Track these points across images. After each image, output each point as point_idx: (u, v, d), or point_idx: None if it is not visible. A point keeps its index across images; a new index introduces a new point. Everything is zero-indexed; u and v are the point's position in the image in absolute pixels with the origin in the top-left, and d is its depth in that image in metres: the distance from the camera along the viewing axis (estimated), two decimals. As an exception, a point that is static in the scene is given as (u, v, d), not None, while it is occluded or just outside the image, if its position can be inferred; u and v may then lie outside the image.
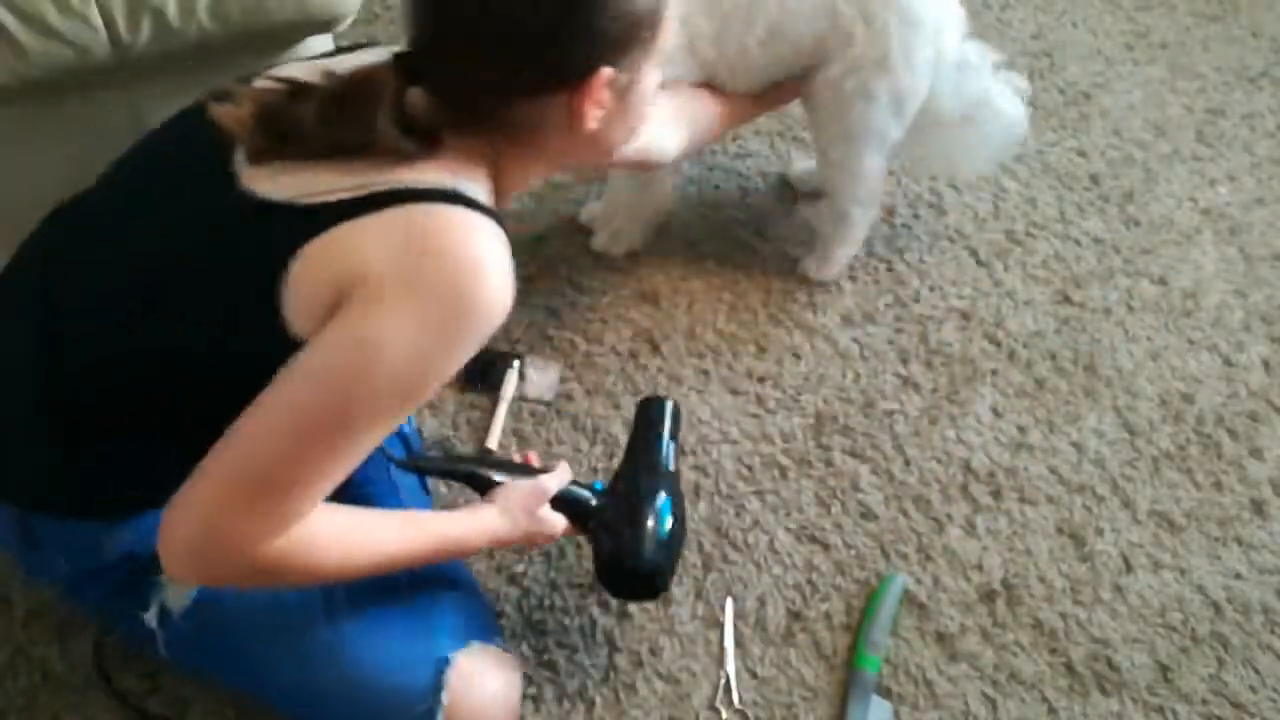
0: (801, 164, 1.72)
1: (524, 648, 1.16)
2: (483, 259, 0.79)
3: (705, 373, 1.44)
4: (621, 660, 1.16)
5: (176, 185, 0.85)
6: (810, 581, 1.24)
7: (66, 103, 1.18)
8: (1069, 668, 1.19)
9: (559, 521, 1.03)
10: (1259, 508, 1.35)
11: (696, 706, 1.13)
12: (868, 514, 1.31)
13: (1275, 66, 2.07)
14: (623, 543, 1.02)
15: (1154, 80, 2.01)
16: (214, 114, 0.81)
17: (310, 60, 0.93)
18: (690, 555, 1.25)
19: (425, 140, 0.81)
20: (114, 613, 1.00)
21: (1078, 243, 1.68)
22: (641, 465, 1.10)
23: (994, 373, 1.48)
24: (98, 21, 1.10)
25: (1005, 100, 1.44)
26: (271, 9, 1.18)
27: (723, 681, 1.15)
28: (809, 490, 1.33)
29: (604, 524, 1.04)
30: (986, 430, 1.41)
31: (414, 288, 0.76)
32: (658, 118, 1.12)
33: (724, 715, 1.13)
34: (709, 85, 1.34)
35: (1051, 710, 1.16)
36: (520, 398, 1.39)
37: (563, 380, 1.42)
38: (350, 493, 0.84)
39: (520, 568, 1.22)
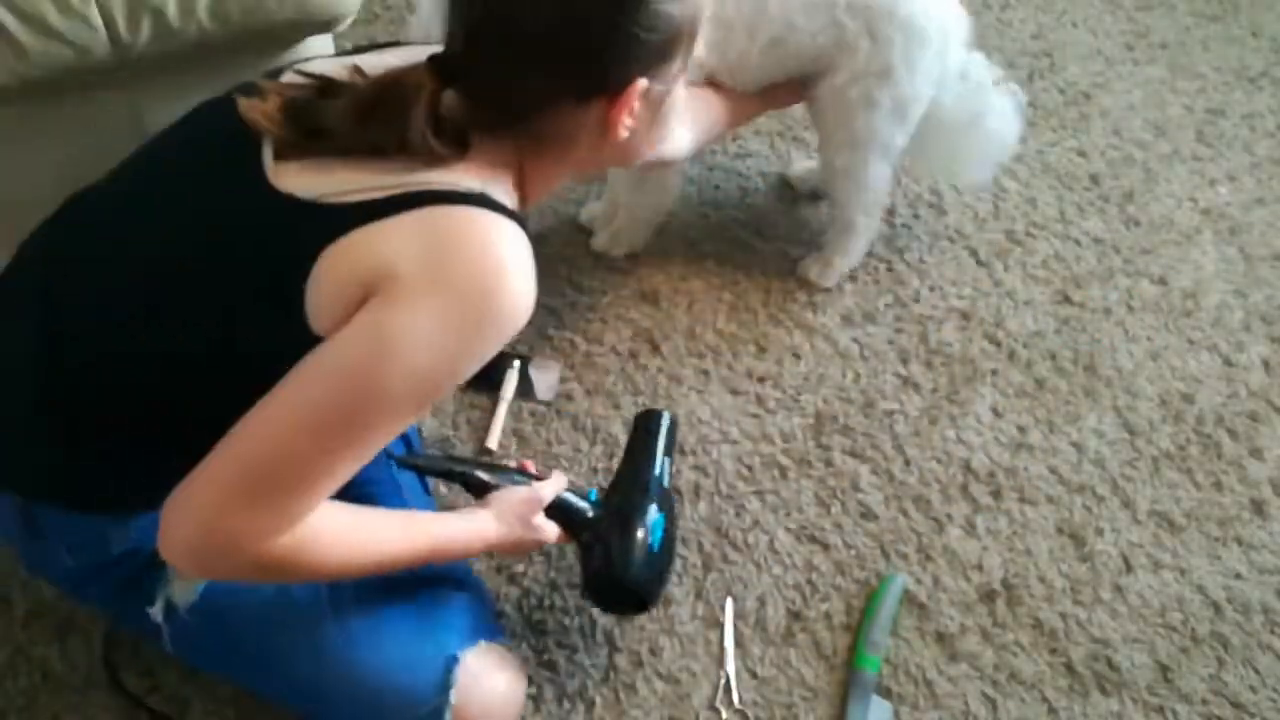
0: (801, 164, 1.72)
1: (524, 648, 1.16)
2: (507, 261, 0.79)
3: (705, 373, 1.44)
4: (621, 660, 1.16)
5: (195, 183, 0.85)
6: (810, 581, 1.24)
7: (66, 103, 1.18)
8: (1069, 668, 1.19)
9: (552, 530, 1.03)
10: (1259, 508, 1.35)
11: (696, 706, 1.13)
12: (868, 514, 1.31)
13: (1275, 66, 2.07)
14: (612, 557, 1.02)
15: (1154, 80, 2.01)
16: (242, 108, 0.81)
17: (337, 57, 0.93)
18: (690, 555, 1.25)
19: (455, 143, 0.81)
20: (118, 608, 1.00)
21: (1078, 243, 1.68)
22: (636, 479, 1.10)
23: (994, 373, 1.48)
24: (98, 21, 1.10)
25: (1003, 112, 1.45)
26: (271, 9, 1.17)
27: (723, 681, 1.15)
28: (809, 490, 1.33)
29: (596, 536, 1.04)
30: (986, 430, 1.41)
31: (439, 286, 0.76)
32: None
33: (724, 715, 1.13)
34: (712, 83, 1.34)
35: (1051, 710, 1.16)
36: (520, 398, 1.39)
37: (563, 380, 1.42)
38: (353, 491, 0.84)
39: (520, 567, 1.22)
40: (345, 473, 0.79)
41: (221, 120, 0.83)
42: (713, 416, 1.40)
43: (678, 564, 1.23)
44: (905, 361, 1.48)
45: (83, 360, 0.84)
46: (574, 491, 1.06)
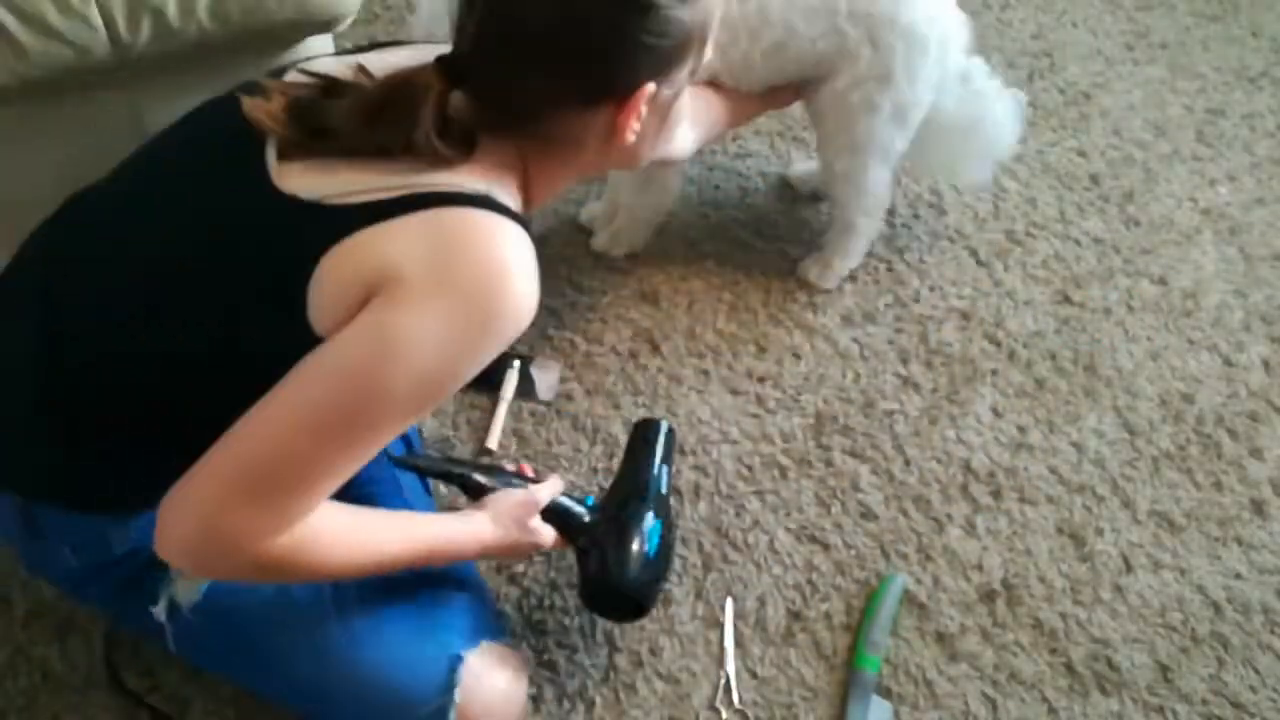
0: (802, 165, 1.72)
1: (524, 648, 1.15)
2: (511, 263, 0.79)
3: (705, 373, 1.44)
4: (621, 660, 1.16)
5: (196, 182, 0.85)
6: (810, 581, 1.24)
7: (66, 103, 1.18)
8: (1069, 668, 1.19)
9: (548, 533, 1.02)
10: (1259, 508, 1.35)
11: (696, 706, 1.13)
12: (868, 514, 1.31)
13: (1275, 66, 2.07)
14: (608, 562, 1.02)
15: (1154, 80, 2.01)
16: (246, 108, 0.81)
17: (340, 55, 0.92)
18: (690, 555, 1.25)
19: (461, 145, 0.81)
20: (119, 607, 1.00)
21: (1078, 243, 1.68)
22: (633, 486, 1.10)
23: (994, 373, 1.48)
24: (98, 21, 1.10)
25: (1004, 113, 1.45)
26: (271, 9, 1.17)
27: (723, 681, 1.15)
28: (809, 490, 1.33)
29: (592, 541, 1.04)
30: (986, 430, 1.41)
31: (442, 287, 0.76)
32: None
33: (724, 715, 1.13)
34: (713, 83, 1.34)
35: (1051, 710, 1.16)
36: (520, 398, 1.39)
37: (563, 380, 1.42)
38: (354, 491, 0.84)
39: (520, 568, 1.22)
40: (346, 472, 0.79)
41: (224, 120, 0.83)
42: (713, 416, 1.40)
43: (677, 564, 1.23)
44: (905, 361, 1.48)
45: (83, 360, 0.83)
46: (572, 497, 1.06)
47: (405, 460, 1.08)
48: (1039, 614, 1.23)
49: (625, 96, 0.83)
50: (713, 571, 1.24)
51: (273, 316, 0.78)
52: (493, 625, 1.04)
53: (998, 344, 1.51)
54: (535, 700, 1.12)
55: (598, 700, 1.13)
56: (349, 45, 1.09)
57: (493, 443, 1.33)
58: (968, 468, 1.36)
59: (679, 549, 1.24)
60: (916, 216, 1.69)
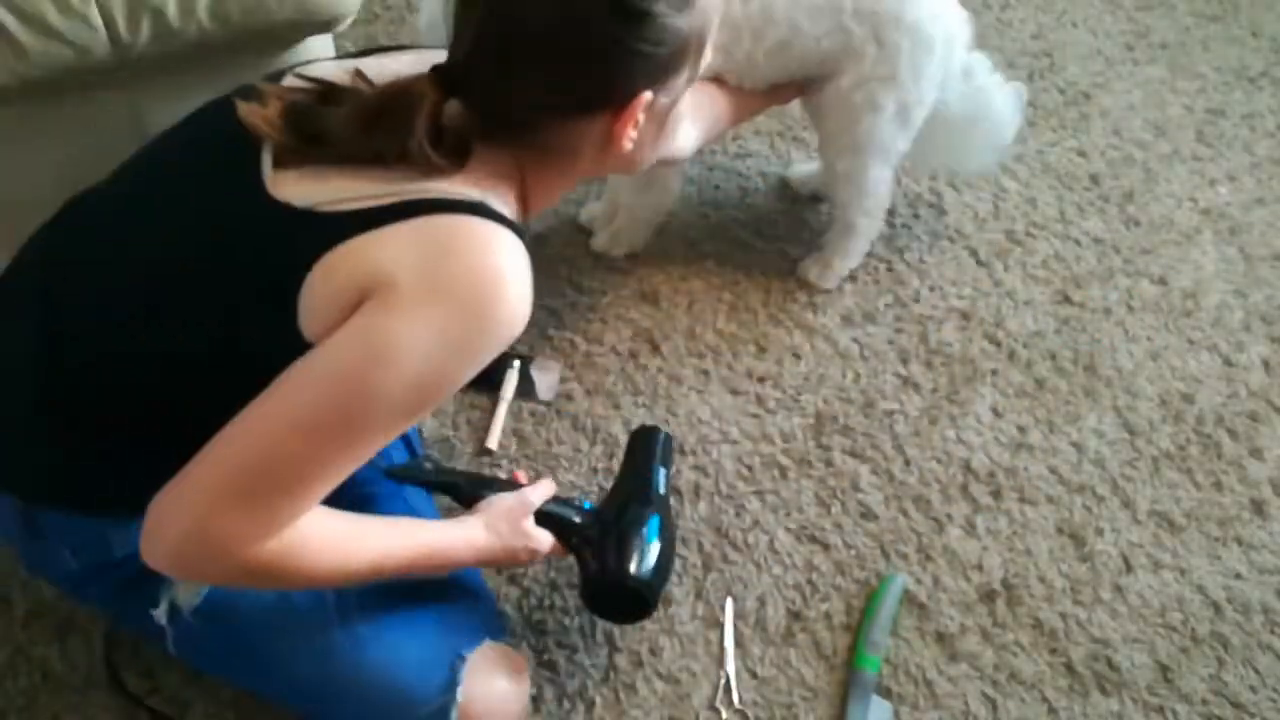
0: (802, 165, 1.72)
1: (524, 648, 1.16)
2: (504, 270, 0.79)
3: (705, 373, 1.44)
4: (621, 660, 1.16)
5: (196, 184, 0.85)
6: (810, 581, 1.24)
7: (66, 103, 1.18)
8: (1069, 668, 1.19)
9: (545, 538, 1.02)
10: (1259, 508, 1.35)
11: (696, 706, 1.14)
12: (868, 514, 1.31)
13: (1275, 66, 2.07)
14: (608, 563, 1.02)
15: (1154, 80, 2.01)
16: (241, 113, 0.81)
17: (339, 60, 0.92)
18: (690, 555, 1.25)
19: (455, 153, 0.81)
20: (119, 608, 1.00)
21: (1078, 243, 1.68)
22: (632, 489, 1.10)
23: (994, 373, 1.48)
24: (98, 21, 1.10)
25: (1005, 106, 1.45)
26: (271, 9, 1.17)
27: (723, 681, 1.15)
28: (809, 490, 1.33)
29: (590, 544, 1.03)
30: (986, 430, 1.41)
31: (437, 295, 0.76)
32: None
33: (724, 715, 1.13)
34: (715, 80, 1.34)
35: (1051, 710, 1.16)
36: (520, 398, 1.39)
37: (563, 380, 1.42)
38: (352, 493, 0.84)
39: (520, 568, 1.22)
40: (336, 477, 0.79)
41: (223, 122, 0.83)
42: (713, 416, 1.40)
43: (678, 564, 1.23)
44: (905, 361, 1.48)
45: (83, 361, 0.83)
46: (569, 500, 1.06)
47: (393, 472, 1.08)
48: (1039, 614, 1.23)
49: (622, 105, 0.83)
50: (713, 571, 1.24)
51: (273, 317, 0.78)
52: (494, 625, 1.04)
53: (998, 344, 1.51)
54: (535, 700, 1.12)
55: (598, 700, 1.13)
56: (349, 45, 1.09)
57: (493, 443, 1.33)
58: (968, 468, 1.36)
59: (679, 549, 1.24)
60: (916, 216, 1.69)
